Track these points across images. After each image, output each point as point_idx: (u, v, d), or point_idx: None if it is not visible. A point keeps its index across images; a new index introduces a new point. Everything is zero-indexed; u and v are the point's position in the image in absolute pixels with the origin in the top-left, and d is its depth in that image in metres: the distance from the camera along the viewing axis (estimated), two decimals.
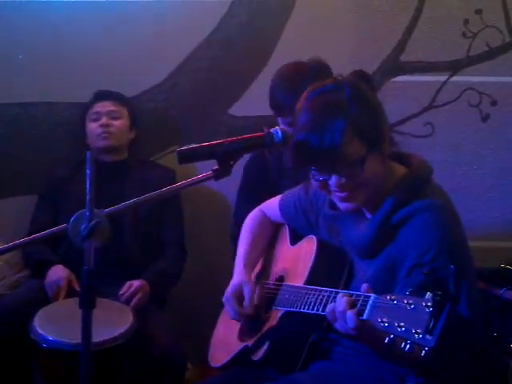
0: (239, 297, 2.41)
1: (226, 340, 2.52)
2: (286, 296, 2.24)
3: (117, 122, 3.59)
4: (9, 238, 2.26)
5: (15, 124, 3.84)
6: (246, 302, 2.39)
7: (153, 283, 3.34)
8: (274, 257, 2.55)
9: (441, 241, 1.96)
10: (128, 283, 3.28)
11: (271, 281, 2.43)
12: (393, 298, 1.70)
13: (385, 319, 1.68)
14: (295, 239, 2.44)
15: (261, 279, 2.52)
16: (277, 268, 2.48)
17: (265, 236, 2.60)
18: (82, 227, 1.80)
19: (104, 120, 3.57)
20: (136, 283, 3.28)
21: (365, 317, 1.76)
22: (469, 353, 1.99)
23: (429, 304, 1.60)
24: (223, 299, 2.46)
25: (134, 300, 3.23)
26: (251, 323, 2.41)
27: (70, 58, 3.78)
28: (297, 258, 2.35)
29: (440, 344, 1.57)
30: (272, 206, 2.58)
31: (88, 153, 1.84)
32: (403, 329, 1.63)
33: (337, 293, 1.94)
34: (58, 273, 3.30)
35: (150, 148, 3.86)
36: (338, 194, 2.03)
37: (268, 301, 2.36)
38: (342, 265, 2.21)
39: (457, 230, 2.04)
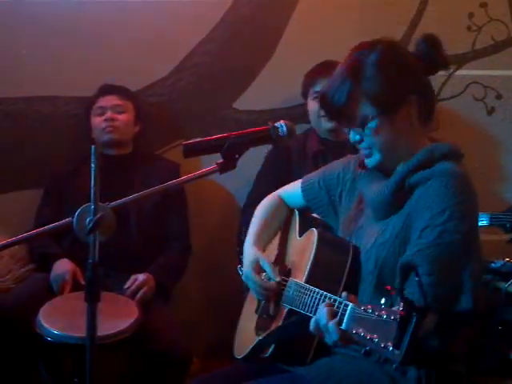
0: (259, 272, 2.39)
1: (245, 331, 2.51)
2: (290, 293, 2.24)
3: (121, 116, 3.59)
4: (14, 232, 2.26)
5: (20, 119, 3.84)
6: (269, 274, 2.36)
7: (158, 277, 3.35)
8: (284, 248, 2.54)
9: (457, 205, 1.98)
10: (133, 277, 3.29)
11: (281, 274, 2.41)
12: (367, 308, 1.69)
13: (360, 330, 1.68)
14: (303, 230, 2.43)
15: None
16: (286, 260, 2.48)
17: (278, 219, 2.58)
18: (87, 221, 1.80)
19: (109, 114, 3.57)
20: (141, 277, 3.29)
21: (343, 326, 1.77)
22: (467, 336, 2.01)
23: (397, 317, 1.58)
24: (243, 278, 2.43)
25: (139, 294, 3.23)
26: (265, 316, 2.40)
27: (74, 53, 3.78)
28: (301, 252, 2.34)
29: (409, 357, 1.56)
30: (291, 188, 2.58)
31: (93, 147, 1.84)
32: (375, 341, 1.62)
33: (326, 296, 1.97)
34: (63, 266, 3.31)
35: (155, 142, 3.86)
36: (360, 151, 2.17)
37: (279, 295, 2.36)
38: (344, 257, 2.20)
39: (472, 202, 2.05)
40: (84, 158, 3.45)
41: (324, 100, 2.14)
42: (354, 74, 2.06)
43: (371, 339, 1.63)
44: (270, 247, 2.56)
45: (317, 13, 3.78)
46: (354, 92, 2.05)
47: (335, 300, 1.89)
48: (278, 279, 2.33)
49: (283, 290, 2.31)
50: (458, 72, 3.79)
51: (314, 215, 2.49)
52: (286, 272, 2.39)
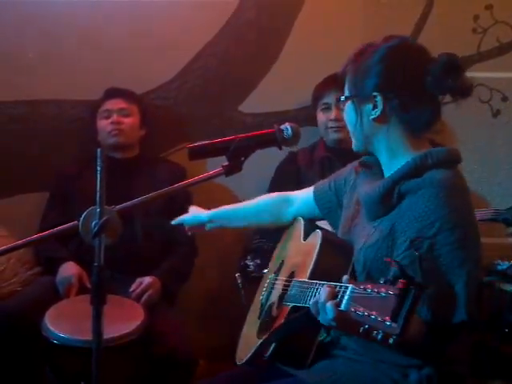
0: None
1: (248, 338, 2.52)
2: (293, 291, 2.24)
3: (127, 120, 3.60)
4: (20, 235, 2.27)
5: (25, 122, 3.85)
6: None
7: (164, 280, 3.35)
8: (289, 253, 2.55)
9: (446, 216, 1.96)
10: (138, 280, 3.29)
11: (284, 277, 2.43)
12: (367, 287, 1.70)
13: (359, 309, 1.69)
14: (308, 234, 2.45)
15: (278, 275, 2.53)
16: (289, 264, 2.49)
17: (262, 203, 2.69)
18: (93, 224, 1.80)
19: (114, 117, 3.58)
20: (147, 280, 3.29)
21: (342, 307, 1.77)
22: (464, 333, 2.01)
23: (396, 291, 1.60)
24: None
25: (145, 296, 3.24)
26: (267, 319, 2.41)
27: (80, 56, 3.79)
28: (305, 253, 2.35)
29: (406, 330, 1.58)
30: (302, 191, 2.62)
31: (99, 150, 1.84)
32: (373, 317, 1.63)
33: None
34: (69, 270, 3.32)
35: (160, 145, 3.86)
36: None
37: (281, 296, 2.37)
38: (347, 259, 2.20)
39: (464, 211, 2.03)
40: (89, 160, 3.45)
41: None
42: (356, 56, 2.15)
43: (369, 316, 1.64)
44: (275, 254, 2.60)
45: (322, 16, 3.78)
46: (346, 68, 2.16)
47: (336, 285, 1.88)
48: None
49: (286, 291, 2.31)
50: None
51: (318, 223, 2.52)
52: (289, 274, 2.40)
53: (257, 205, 2.67)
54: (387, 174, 2.16)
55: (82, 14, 3.78)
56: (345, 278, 1.86)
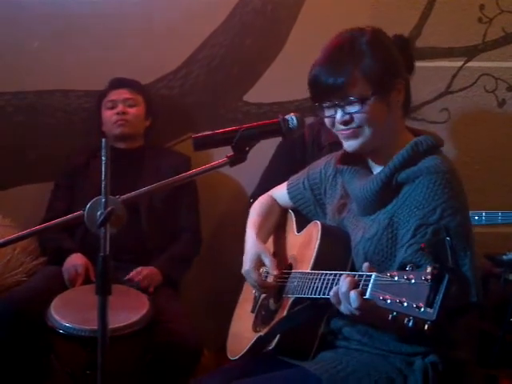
0: (259, 268, 2.40)
1: (241, 332, 2.52)
2: (295, 283, 2.24)
3: (133, 110, 3.60)
4: (24, 226, 2.28)
5: (30, 112, 3.85)
6: (269, 269, 2.38)
7: (165, 270, 3.37)
8: (282, 246, 2.55)
9: (447, 202, 2.00)
10: (137, 269, 3.31)
11: (282, 268, 2.42)
12: (393, 274, 1.71)
13: (387, 296, 1.69)
14: (301, 226, 2.44)
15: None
16: (285, 257, 2.48)
17: (272, 218, 2.60)
18: (98, 214, 1.81)
19: (120, 108, 3.58)
20: (145, 270, 3.32)
21: (367, 296, 1.78)
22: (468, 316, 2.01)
23: (428, 277, 1.61)
24: (243, 272, 2.43)
25: (143, 283, 3.25)
26: (264, 313, 2.41)
27: (85, 46, 3.79)
28: (303, 245, 2.35)
29: (442, 316, 1.58)
30: (280, 190, 2.61)
31: (103, 140, 1.84)
32: (405, 304, 1.64)
33: (340, 275, 1.95)
34: (76, 260, 3.33)
35: (165, 135, 3.86)
36: (343, 132, 2.14)
37: (279, 290, 2.36)
38: (347, 248, 2.21)
39: (461, 195, 2.07)
40: (96, 151, 3.46)
41: (318, 81, 2.11)
42: (352, 52, 2.08)
43: (400, 303, 1.65)
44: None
45: (327, 4, 3.77)
46: (353, 69, 2.06)
47: (354, 274, 1.89)
48: (275, 272, 2.34)
49: (285, 283, 2.31)
50: (469, 64, 3.79)
51: None
52: (287, 267, 2.39)
53: (268, 217, 2.60)
54: (376, 166, 2.18)
55: (86, 4, 3.77)
56: (365, 265, 1.87)
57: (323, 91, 2.11)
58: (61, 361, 2.95)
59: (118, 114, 3.57)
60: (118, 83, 3.64)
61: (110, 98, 3.62)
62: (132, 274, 3.29)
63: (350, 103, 2.08)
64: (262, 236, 2.49)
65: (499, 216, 3.36)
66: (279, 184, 2.65)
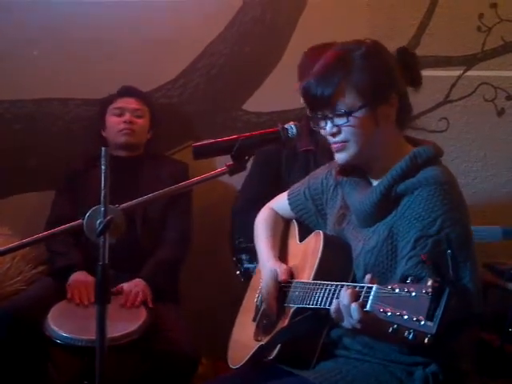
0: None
1: (242, 341, 2.51)
2: (296, 293, 2.23)
3: (140, 121, 3.60)
4: (23, 234, 2.27)
5: (30, 120, 3.86)
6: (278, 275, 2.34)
7: (150, 281, 3.30)
8: (284, 255, 2.54)
9: (446, 213, 1.99)
10: (119, 286, 3.22)
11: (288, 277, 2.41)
12: (394, 287, 1.70)
13: (388, 309, 1.69)
14: (303, 236, 2.44)
15: None
16: (287, 266, 2.47)
17: (279, 230, 2.59)
18: (97, 223, 1.80)
19: (127, 116, 3.56)
20: (125, 286, 3.23)
21: (368, 308, 1.77)
22: (471, 326, 2.01)
23: (429, 291, 1.61)
24: (264, 287, 2.37)
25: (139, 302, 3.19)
26: (266, 322, 2.40)
27: (84, 55, 3.79)
28: (305, 254, 2.35)
29: (442, 329, 1.58)
30: (280, 200, 2.59)
31: (103, 149, 1.84)
32: (405, 317, 1.64)
33: (342, 286, 1.95)
34: (84, 277, 3.25)
35: (165, 143, 3.86)
36: (333, 144, 2.13)
37: (281, 299, 2.36)
38: (349, 258, 2.20)
39: (461, 206, 2.06)
40: (95, 158, 3.44)
41: (308, 92, 2.11)
42: (342, 65, 2.07)
43: (401, 316, 1.65)
44: None
45: (326, 13, 3.78)
46: (341, 82, 2.05)
47: (355, 286, 1.89)
48: (282, 278, 2.32)
49: (287, 292, 2.30)
50: (468, 73, 3.79)
51: None
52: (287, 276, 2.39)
53: (275, 232, 2.57)
54: (375, 179, 2.17)
55: (85, 13, 3.77)
56: (367, 277, 1.86)
57: (313, 102, 2.12)
58: (58, 370, 2.95)
59: (125, 122, 3.56)
60: (126, 91, 3.64)
61: (117, 105, 3.60)
62: (123, 298, 3.18)
63: (339, 115, 2.07)
64: (276, 255, 2.47)
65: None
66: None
